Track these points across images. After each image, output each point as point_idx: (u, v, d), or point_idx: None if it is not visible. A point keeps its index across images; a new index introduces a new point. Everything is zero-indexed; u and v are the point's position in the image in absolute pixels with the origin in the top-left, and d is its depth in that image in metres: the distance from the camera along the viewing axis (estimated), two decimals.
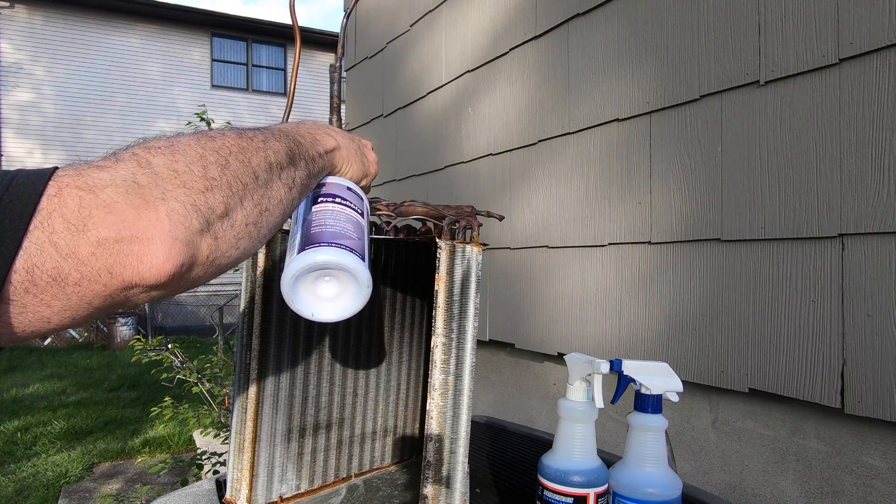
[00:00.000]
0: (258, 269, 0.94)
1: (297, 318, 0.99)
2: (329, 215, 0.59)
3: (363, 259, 0.56)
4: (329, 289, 0.56)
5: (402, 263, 1.15)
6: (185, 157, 0.44)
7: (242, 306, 0.95)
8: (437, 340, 0.79)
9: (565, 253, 1.70)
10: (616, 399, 0.79)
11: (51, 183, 0.36)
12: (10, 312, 0.35)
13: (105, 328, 10.07)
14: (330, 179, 0.65)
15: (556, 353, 1.74)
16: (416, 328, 1.21)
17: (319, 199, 0.61)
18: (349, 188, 0.65)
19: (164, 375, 3.21)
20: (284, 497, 1.01)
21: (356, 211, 0.63)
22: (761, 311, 1.22)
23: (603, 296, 1.58)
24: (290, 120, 0.87)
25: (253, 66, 13.70)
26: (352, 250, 0.55)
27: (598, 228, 1.59)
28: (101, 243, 0.37)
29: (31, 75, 11.62)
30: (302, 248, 0.55)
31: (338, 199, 0.62)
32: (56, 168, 0.38)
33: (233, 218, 0.46)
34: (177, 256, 0.40)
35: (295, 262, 0.54)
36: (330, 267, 0.54)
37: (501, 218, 0.95)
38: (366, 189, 0.73)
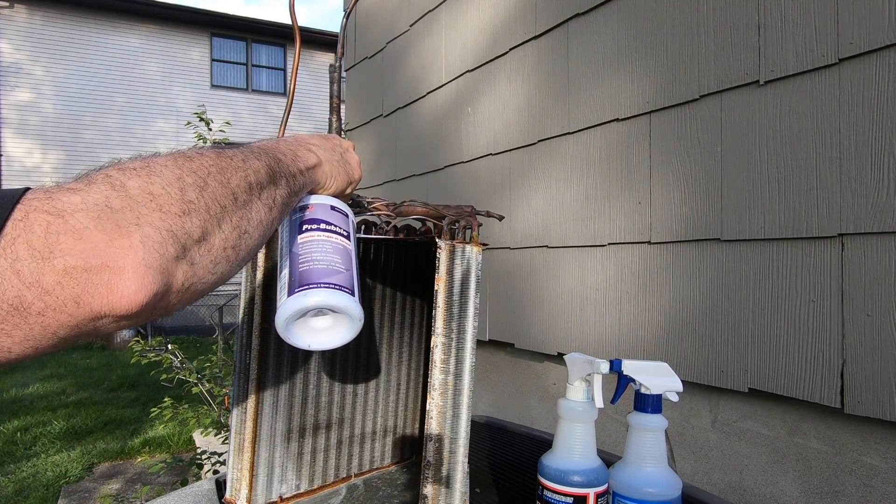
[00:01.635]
0: (258, 269, 0.94)
1: None
2: (316, 248, 0.59)
3: (353, 292, 0.57)
4: (323, 321, 0.58)
5: (402, 263, 1.15)
6: (162, 178, 0.42)
7: (242, 306, 0.95)
8: (437, 340, 0.79)
9: (565, 253, 1.70)
10: (616, 399, 0.79)
11: (18, 206, 0.35)
12: None
13: None
14: (313, 200, 0.64)
15: (556, 353, 1.74)
16: (416, 328, 1.21)
17: (304, 227, 0.61)
18: (333, 207, 0.64)
19: (164, 376, 3.21)
20: (284, 497, 1.01)
21: (342, 234, 0.62)
22: (761, 311, 1.22)
23: (603, 296, 1.58)
24: (289, 120, 0.87)
25: (253, 66, 13.70)
26: (341, 288, 0.56)
27: (598, 228, 1.59)
28: (68, 272, 0.35)
29: (30, 75, 11.62)
30: (292, 290, 0.56)
31: (323, 226, 0.61)
32: (27, 189, 0.37)
33: (210, 242, 0.44)
34: (150, 286, 0.38)
35: (287, 306, 0.55)
36: (322, 308, 0.56)
37: (501, 218, 0.95)
38: (350, 195, 0.72)
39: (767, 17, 1.21)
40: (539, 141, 1.79)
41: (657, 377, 0.79)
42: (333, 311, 0.57)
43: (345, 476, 1.11)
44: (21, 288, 0.34)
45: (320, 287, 0.55)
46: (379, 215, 0.85)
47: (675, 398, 0.79)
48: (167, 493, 1.04)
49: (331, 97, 0.88)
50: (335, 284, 0.56)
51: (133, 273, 0.37)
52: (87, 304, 0.36)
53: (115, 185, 0.39)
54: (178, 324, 11.12)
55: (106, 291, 0.36)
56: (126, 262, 0.37)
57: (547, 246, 1.76)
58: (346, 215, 0.66)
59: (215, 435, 3.18)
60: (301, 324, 0.57)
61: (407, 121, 2.48)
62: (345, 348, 1.09)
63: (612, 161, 1.56)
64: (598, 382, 0.77)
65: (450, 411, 0.80)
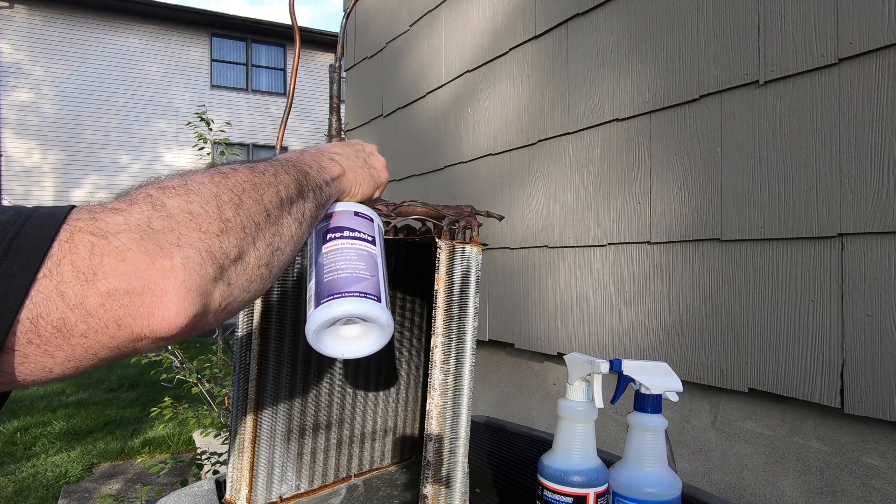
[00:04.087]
0: None
1: (297, 318, 0.99)
2: (341, 256, 0.59)
3: (380, 299, 0.57)
4: (353, 330, 0.58)
5: (401, 263, 1.15)
6: (200, 196, 0.42)
7: None
8: (437, 340, 0.79)
9: (565, 253, 1.70)
10: (616, 399, 0.79)
11: (64, 227, 0.35)
12: (11, 363, 0.34)
13: None
14: (338, 207, 0.63)
15: (556, 353, 1.74)
16: (416, 328, 1.21)
17: (328, 236, 0.60)
18: (356, 213, 0.64)
19: (164, 376, 3.21)
20: (284, 497, 1.01)
21: (367, 240, 0.62)
22: (761, 311, 1.22)
23: (603, 295, 1.58)
24: (289, 120, 0.87)
25: (252, 66, 13.70)
26: (366, 295, 0.56)
27: (598, 228, 1.59)
28: (111, 294, 0.35)
29: (30, 75, 11.62)
30: (319, 301, 0.56)
31: (346, 233, 0.61)
32: (72, 208, 0.37)
33: (246, 261, 0.44)
34: (190, 308, 0.38)
35: (314, 317, 0.55)
36: (348, 317, 0.56)
37: (501, 218, 0.95)
38: (378, 199, 0.71)
39: (767, 17, 1.21)
40: (539, 141, 1.79)
41: (657, 377, 0.79)
42: (362, 320, 0.57)
43: (345, 476, 1.11)
44: (65, 310, 0.34)
45: (345, 296, 0.55)
46: (379, 215, 0.85)
47: (675, 398, 0.79)
48: (167, 494, 1.04)
49: (331, 97, 0.88)
50: (360, 292, 0.56)
51: (174, 296, 0.37)
52: (129, 327, 0.36)
53: (155, 205, 0.39)
54: None
55: (147, 314, 0.36)
56: (167, 285, 0.37)
57: (547, 246, 1.76)
58: (372, 220, 0.65)
59: (215, 435, 3.18)
60: (331, 333, 0.57)
61: (407, 121, 2.48)
62: None
63: (612, 161, 1.56)
64: (598, 382, 0.77)
65: (450, 411, 0.80)
